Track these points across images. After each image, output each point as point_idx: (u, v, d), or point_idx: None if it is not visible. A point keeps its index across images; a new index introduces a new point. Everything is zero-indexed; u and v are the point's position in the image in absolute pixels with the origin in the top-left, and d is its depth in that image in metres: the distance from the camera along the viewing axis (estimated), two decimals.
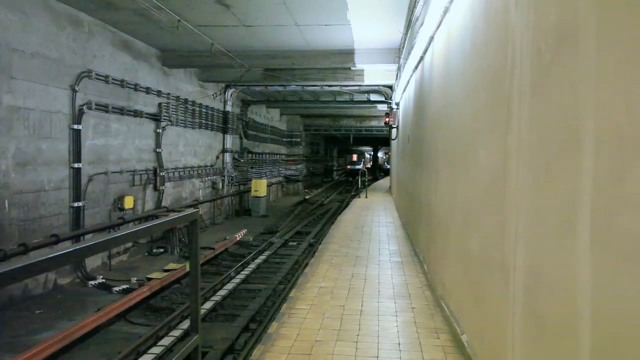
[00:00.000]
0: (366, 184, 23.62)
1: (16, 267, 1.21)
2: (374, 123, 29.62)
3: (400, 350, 4.34)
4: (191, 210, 2.49)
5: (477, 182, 3.70)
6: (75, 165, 9.22)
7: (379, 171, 53.18)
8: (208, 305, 7.99)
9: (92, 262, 9.84)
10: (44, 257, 1.31)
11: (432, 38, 6.13)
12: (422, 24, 6.93)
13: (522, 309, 2.56)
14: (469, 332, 4.06)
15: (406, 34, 9.42)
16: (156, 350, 6.20)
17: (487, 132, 3.40)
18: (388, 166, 44.06)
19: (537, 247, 2.37)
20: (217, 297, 8.39)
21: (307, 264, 8.32)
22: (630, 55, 1.52)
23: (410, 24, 8.57)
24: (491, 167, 3.27)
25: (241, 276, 9.81)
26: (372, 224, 12.43)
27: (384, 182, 34.13)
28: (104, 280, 9.23)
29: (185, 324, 7.04)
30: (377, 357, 4.20)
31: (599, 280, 1.71)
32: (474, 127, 3.84)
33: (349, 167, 54.28)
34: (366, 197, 20.68)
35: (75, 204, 9.25)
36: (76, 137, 9.24)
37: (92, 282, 9.10)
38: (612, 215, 1.62)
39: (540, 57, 2.29)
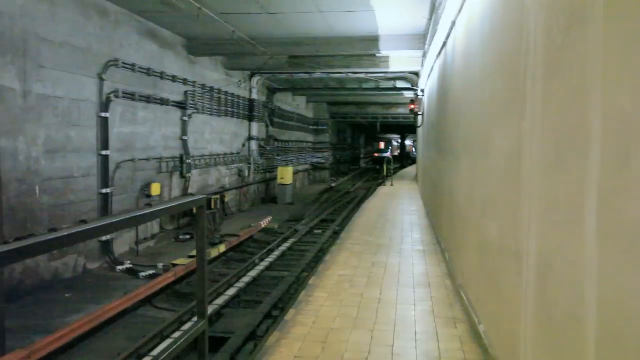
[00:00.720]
0: (391, 171, 23.44)
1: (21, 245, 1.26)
2: (401, 110, 29.23)
3: (416, 340, 4.32)
4: (199, 196, 2.52)
5: (494, 168, 3.62)
6: (103, 153, 9.42)
7: (406, 159, 52.74)
8: (232, 291, 8.10)
9: (120, 248, 10.09)
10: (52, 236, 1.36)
11: (453, 23, 6.00)
12: (444, 9, 6.79)
13: (534, 299, 2.50)
14: (486, 322, 4.00)
15: (430, 19, 9.24)
16: (178, 334, 6.34)
17: (503, 117, 3.32)
18: (415, 154, 43.66)
19: (547, 235, 2.30)
20: (240, 284, 8.49)
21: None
22: (636, 38, 1.45)
23: (434, 9, 8.40)
24: (507, 153, 3.19)
25: (265, 263, 9.90)
26: (396, 211, 12.35)
27: (411, 169, 33.87)
28: (131, 265, 9.45)
29: (209, 310, 7.15)
30: (392, 345, 4.19)
31: (605, 270, 1.65)
32: (491, 113, 3.75)
33: (376, 154, 54.08)
34: (391, 184, 20.57)
35: (103, 191, 9.47)
36: (104, 125, 9.43)
37: (120, 267, 9.33)
38: (617, 203, 1.56)
39: (552, 40, 2.21)
